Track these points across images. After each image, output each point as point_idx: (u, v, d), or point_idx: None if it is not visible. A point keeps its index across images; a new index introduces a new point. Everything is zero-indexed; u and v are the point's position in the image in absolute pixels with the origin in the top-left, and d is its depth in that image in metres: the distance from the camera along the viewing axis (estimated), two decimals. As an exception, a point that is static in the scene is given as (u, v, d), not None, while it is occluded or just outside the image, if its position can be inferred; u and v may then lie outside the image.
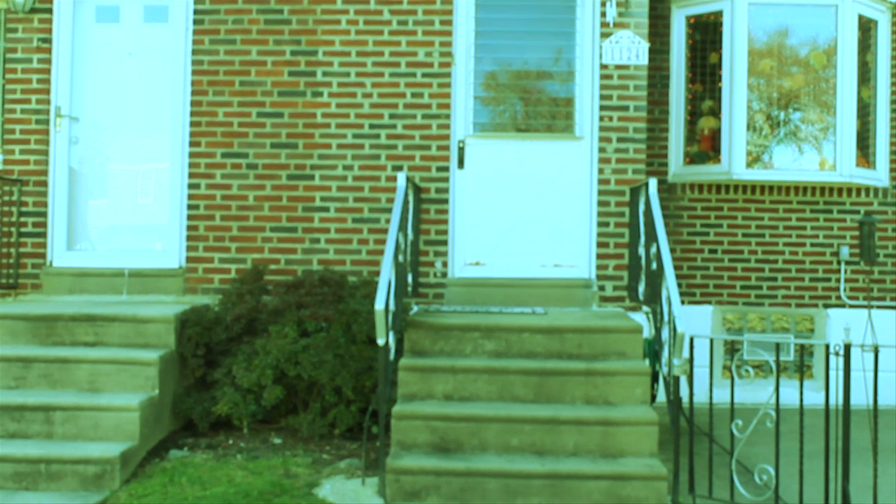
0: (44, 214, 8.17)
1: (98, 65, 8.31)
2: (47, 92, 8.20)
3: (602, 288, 8.01)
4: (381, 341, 5.92)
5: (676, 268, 8.68)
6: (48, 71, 8.20)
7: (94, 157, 8.31)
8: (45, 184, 8.17)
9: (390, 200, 7.69)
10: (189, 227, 8.12)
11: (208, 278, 8.09)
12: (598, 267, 8.03)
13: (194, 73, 8.16)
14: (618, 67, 8.08)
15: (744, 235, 9.00)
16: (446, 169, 8.12)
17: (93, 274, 8.08)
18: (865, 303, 8.71)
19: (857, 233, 8.84)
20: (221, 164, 8.12)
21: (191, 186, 8.13)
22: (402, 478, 5.90)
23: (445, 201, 8.10)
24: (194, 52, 8.16)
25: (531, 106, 8.32)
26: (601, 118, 8.08)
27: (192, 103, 8.16)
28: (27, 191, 8.15)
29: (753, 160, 8.79)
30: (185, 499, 5.65)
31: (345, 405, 6.85)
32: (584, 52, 8.16)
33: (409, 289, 7.43)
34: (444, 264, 8.06)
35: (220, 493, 5.71)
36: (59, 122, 8.18)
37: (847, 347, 5.42)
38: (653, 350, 7.03)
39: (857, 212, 8.96)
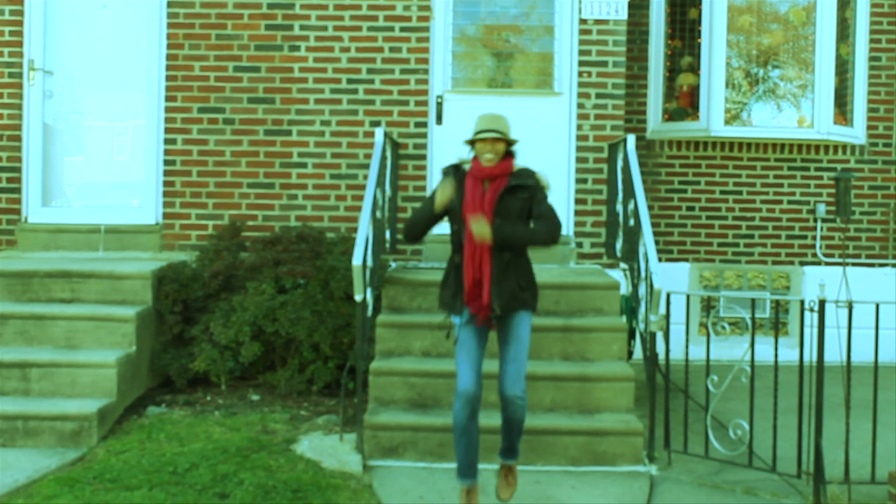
0: (18, 170, 8.08)
1: (72, 17, 8.18)
2: (20, 45, 8.07)
3: (580, 245, 8.03)
4: (358, 298, 5.93)
5: (654, 225, 8.65)
6: (21, 23, 8.06)
7: (70, 112, 8.21)
8: (19, 139, 8.07)
9: (368, 156, 7.64)
10: (166, 184, 8.06)
11: (185, 235, 8.04)
12: (576, 224, 8.04)
13: (170, 26, 8.05)
14: (597, 22, 8.03)
15: (721, 192, 9.01)
16: (424, 125, 8.08)
17: (69, 230, 8.02)
18: (841, 260, 8.76)
19: (833, 190, 8.85)
20: (198, 119, 8.04)
21: (167, 142, 8.05)
22: (380, 433, 5.94)
23: (424, 157, 8.08)
24: (170, 4, 8.04)
25: (511, 61, 8.27)
26: (580, 74, 8.05)
27: (168, 57, 8.06)
28: (0, 146, 8.05)
29: (732, 117, 8.79)
30: (163, 455, 5.66)
31: (322, 362, 6.86)
32: (563, 6, 8.11)
33: (388, 245, 7.41)
34: (423, 221, 8.02)
35: (198, 450, 5.72)
36: (32, 75, 8.07)
37: (822, 303, 5.45)
38: (630, 307, 7.07)
39: (835, 169, 8.96)
